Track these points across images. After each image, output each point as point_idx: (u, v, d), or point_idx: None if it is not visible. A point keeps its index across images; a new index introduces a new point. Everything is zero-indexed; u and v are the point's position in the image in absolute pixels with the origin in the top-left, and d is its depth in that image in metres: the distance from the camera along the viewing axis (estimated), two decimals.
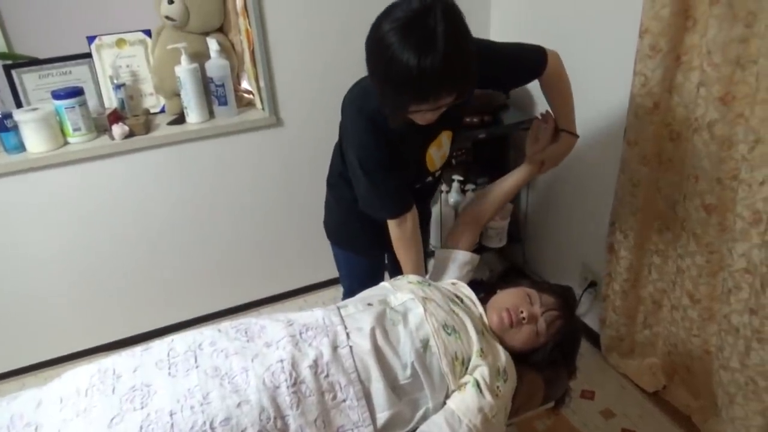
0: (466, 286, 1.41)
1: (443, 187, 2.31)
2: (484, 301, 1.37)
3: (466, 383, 1.16)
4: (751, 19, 1.40)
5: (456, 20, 1.10)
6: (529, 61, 1.45)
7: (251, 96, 2.33)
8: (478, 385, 1.15)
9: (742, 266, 1.57)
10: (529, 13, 2.23)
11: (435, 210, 2.30)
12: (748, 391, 1.61)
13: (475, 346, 1.19)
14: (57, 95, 1.96)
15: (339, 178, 1.58)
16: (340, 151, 1.54)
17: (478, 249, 2.42)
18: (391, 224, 1.47)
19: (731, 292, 1.62)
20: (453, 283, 1.42)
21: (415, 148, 1.44)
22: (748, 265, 1.56)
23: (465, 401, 1.14)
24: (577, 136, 1.56)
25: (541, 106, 2.24)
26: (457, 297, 1.34)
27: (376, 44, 1.12)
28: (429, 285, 1.33)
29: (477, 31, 2.50)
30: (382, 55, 1.10)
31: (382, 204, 1.46)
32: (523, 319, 1.28)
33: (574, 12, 2.01)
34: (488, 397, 1.14)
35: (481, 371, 1.16)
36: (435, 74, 1.07)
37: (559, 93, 1.52)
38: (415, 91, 1.12)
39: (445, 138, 1.49)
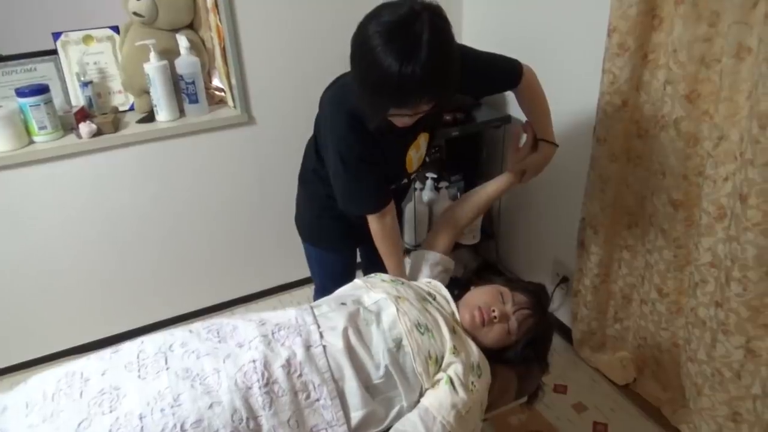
0: (441, 285, 1.41)
1: (417, 185, 2.32)
2: (458, 298, 1.38)
3: (439, 380, 1.16)
4: (714, 18, 1.43)
5: (443, 29, 1.11)
6: (504, 72, 1.47)
7: (223, 94, 2.31)
8: (451, 381, 1.15)
9: (708, 260, 1.61)
10: (500, 12, 2.24)
11: (409, 208, 2.31)
12: (715, 382, 1.65)
13: (448, 344, 1.19)
14: (21, 93, 1.91)
15: (312, 175, 1.57)
16: (314, 147, 1.54)
17: (453, 245, 2.43)
18: (372, 219, 1.47)
19: (698, 286, 1.65)
20: (428, 282, 1.43)
21: (394, 150, 1.44)
22: (713, 259, 1.60)
23: (438, 398, 1.14)
24: (557, 146, 1.58)
25: (514, 104, 2.26)
26: (430, 295, 1.35)
27: (360, 45, 1.11)
28: (402, 283, 1.33)
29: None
30: (365, 57, 1.09)
31: (362, 199, 1.45)
32: (495, 317, 1.29)
33: (544, 11, 2.03)
34: (461, 393, 1.15)
35: (454, 368, 1.17)
36: (415, 83, 1.07)
37: (536, 106, 1.55)
38: (394, 96, 1.12)
39: (423, 140, 1.50)
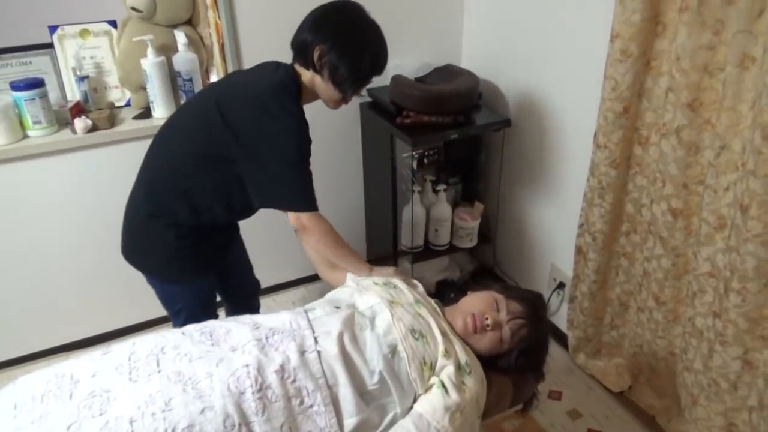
0: (421, 286, 1.41)
1: (415, 187, 2.30)
2: (454, 302, 1.37)
3: (432, 385, 1.16)
4: (719, 26, 1.42)
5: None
6: None
7: None
8: (443, 385, 1.14)
9: (707, 270, 1.60)
10: (502, 14, 2.23)
11: (406, 210, 2.29)
12: (711, 393, 1.64)
13: (440, 347, 1.19)
14: (16, 86, 1.88)
15: (181, 200, 1.48)
16: (183, 167, 1.49)
17: (450, 248, 2.42)
18: (313, 222, 1.43)
19: (696, 296, 1.64)
20: (413, 285, 1.42)
21: None
22: (712, 269, 1.59)
23: (432, 403, 1.13)
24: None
25: (513, 107, 2.25)
26: (423, 297, 1.34)
27: (353, 36, 1.44)
28: (394, 287, 1.32)
29: (450, 36, 2.47)
30: (362, 43, 1.45)
31: (310, 196, 1.43)
32: (488, 325, 1.28)
33: (547, 16, 2.01)
34: (454, 395, 1.14)
35: (446, 371, 1.17)
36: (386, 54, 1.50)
37: None
38: (382, 67, 1.49)
39: None
